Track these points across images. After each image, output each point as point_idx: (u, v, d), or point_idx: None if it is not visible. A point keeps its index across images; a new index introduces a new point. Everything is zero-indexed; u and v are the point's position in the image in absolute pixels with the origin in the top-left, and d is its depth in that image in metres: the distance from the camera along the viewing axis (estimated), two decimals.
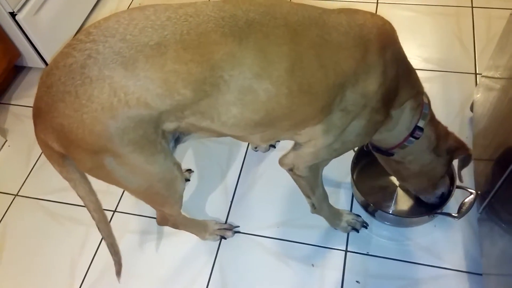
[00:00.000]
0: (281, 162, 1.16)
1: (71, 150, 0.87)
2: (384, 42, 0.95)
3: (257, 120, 0.92)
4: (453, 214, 1.34)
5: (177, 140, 0.99)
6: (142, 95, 0.80)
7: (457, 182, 1.36)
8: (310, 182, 1.21)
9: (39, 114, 0.86)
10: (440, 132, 1.20)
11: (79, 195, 1.08)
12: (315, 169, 1.17)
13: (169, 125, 0.89)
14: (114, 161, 0.87)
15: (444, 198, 1.37)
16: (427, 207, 1.42)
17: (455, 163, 1.42)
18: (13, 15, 1.85)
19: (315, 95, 0.92)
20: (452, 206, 1.39)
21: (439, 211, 1.35)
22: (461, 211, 1.33)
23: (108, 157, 0.86)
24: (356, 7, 1.01)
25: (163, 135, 0.90)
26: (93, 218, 1.13)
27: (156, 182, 0.98)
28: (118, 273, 1.25)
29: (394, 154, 1.22)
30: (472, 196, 1.34)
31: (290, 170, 1.16)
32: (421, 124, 1.13)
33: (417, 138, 1.15)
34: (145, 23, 0.82)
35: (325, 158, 1.11)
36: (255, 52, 0.85)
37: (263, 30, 0.86)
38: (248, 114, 0.90)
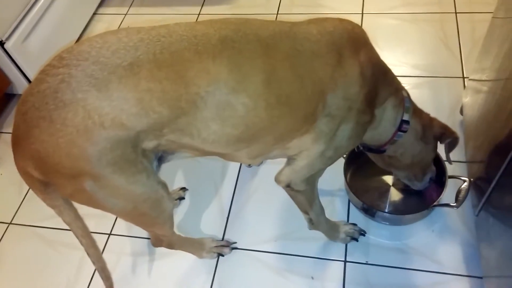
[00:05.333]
0: (277, 179, 1.15)
1: (50, 176, 0.87)
2: (356, 45, 0.98)
3: (238, 135, 0.91)
4: (451, 204, 1.35)
5: (161, 160, 0.98)
6: (117, 115, 0.80)
7: (449, 172, 1.39)
8: (308, 196, 1.20)
9: (17, 142, 0.85)
10: (425, 121, 1.23)
11: (65, 222, 1.06)
12: (312, 181, 1.17)
13: (149, 144, 0.88)
14: (94, 184, 0.86)
15: (439, 191, 1.39)
16: (422, 203, 1.44)
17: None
18: (1, 43, 1.86)
19: (295, 105, 0.93)
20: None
21: (436, 203, 1.35)
22: (459, 200, 1.34)
23: (88, 181, 0.85)
24: (342, 18, 1.03)
25: (144, 154, 0.90)
26: (82, 244, 1.11)
27: (141, 202, 0.97)
28: None
29: (386, 150, 1.24)
30: (466, 183, 1.36)
31: (287, 187, 1.15)
32: (406, 117, 1.15)
33: (404, 132, 1.17)
34: (117, 45, 0.82)
35: (320, 167, 1.11)
36: (230, 67, 0.85)
37: (236, 46, 0.87)
38: (228, 129, 0.89)
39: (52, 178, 0.87)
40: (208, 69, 0.84)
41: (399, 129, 1.16)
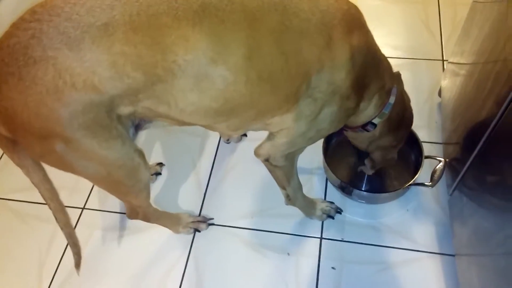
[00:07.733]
0: (256, 153, 1.14)
1: (18, 134, 0.84)
2: (349, 27, 0.92)
3: (217, 108, 0.89)
4: (426, 183, 1.38)
5: (138, 127, 0.95)
6: (89, 77, 0.77)
7: (425, 153, 1.42)
8: (286, 172, 1.20)
9: None
10: (389, 140, 1.26)
11: (33, 183, 1.02)
12: (291, 158, 1.16)
13: (124, 109, 0.85)
14: (65, 147, 0.83)
15: (415, 170, 1.43)
16: (398, 182, 1.47)
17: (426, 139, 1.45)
18: None
19: (277, 83, 0.90)
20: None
21: (412, 182, 1.38)
22: (434, 179, 1.37)
23: (58, 143, 0.83)
24: None
25: (119, 120, 0.87)
26: (49, 207, 1.08)
27: (116, 169, 0.94)
28: (78, 265, 1.21)
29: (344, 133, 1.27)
30: (441, 163, 1.38)
31: (266, 161, 1.14)
32: (375, 121, 1.15)
33: (367, 131, 1.19)
34: (93, 3, 0.78)
35: (300, 146, 1.10)
36: (210, 36, 0.81)
37: (219, 14, 0.82)
38: (207, 101, 0.87)
39: (20, 137, 0.84)
40: (187, 37, 0.80)
41: (363, 126, 1.17)
